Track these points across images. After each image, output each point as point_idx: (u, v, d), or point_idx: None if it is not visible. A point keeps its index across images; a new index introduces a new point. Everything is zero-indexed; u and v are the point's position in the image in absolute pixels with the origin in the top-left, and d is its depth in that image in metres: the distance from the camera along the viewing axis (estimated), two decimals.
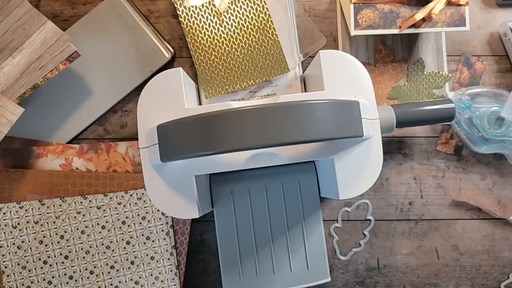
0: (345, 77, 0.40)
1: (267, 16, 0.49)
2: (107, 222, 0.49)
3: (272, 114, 0.32)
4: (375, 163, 0.40)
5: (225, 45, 0.49)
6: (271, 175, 0.47)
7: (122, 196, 0.49)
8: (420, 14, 0.45)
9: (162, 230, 0.49)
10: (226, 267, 0.46)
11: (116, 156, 0.50)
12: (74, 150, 0.50)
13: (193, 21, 0.49)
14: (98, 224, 0.49)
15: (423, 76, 0.52)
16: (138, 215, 0.49)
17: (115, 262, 0.49)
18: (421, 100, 0.52)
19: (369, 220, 0.52)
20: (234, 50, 0.49)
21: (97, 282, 0.49)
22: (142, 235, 0.49)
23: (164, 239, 0.49)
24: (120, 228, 0.49)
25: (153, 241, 0.49)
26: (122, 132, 0.52)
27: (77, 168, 0.50)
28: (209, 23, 0.49)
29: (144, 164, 0.40)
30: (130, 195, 0.49)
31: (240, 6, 0.49)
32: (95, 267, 0.49)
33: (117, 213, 0.49)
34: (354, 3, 0.46)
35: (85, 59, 0.49)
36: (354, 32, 0.46)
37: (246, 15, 0.49)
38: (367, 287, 0.52)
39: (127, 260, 0.49)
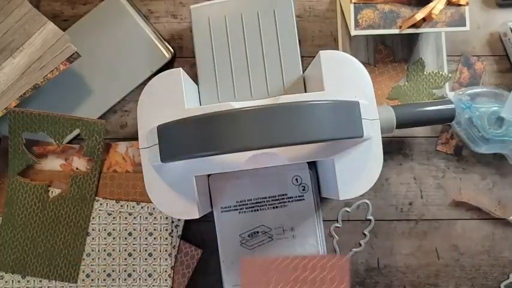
0: (345, 77, 0.40)
1: None
2: (113, 229, 0.49)
3: (273, 115, 0.32)
4: (375, 163, 0.40)
5: None
6: None
7: (133, 207, 0.49)
8: (420, 14, 0.45)
9: (166, 250, 0.48)
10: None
11: (116, 156, 0.50)
12: (74, 150, 0.50)
13: None
14: (105, 230, 0.49)
15: (423, 76, 0.52)
16: (146, 229, 0.49)
17: (112, 271, 0.49)
18: (421, 100, 0.52)
19: (369, 220, 0.52)
20: None
21: (91, 286, 0.48)
22: (146, 250, 0.49)
23: (166, 259, 0.48)
24: (126, 238, 0.49)
25: (154, 259, 0.49)
26: (122, 132, 0.52)
27: (77, 168, 0.50)
28: None
29: (144, 164, 0.40)
30: (141, 207, 0.49)
31: None
32: (92, 271, 0.49)
33: (126, 223, 0.49)
34: (354, 3, 0.46)
35: (85, 59, 0.49)
36: (354, 32, 0.46)
37: None
38: (367, 287, 0.52)
39: (125, 271, 0.49)
